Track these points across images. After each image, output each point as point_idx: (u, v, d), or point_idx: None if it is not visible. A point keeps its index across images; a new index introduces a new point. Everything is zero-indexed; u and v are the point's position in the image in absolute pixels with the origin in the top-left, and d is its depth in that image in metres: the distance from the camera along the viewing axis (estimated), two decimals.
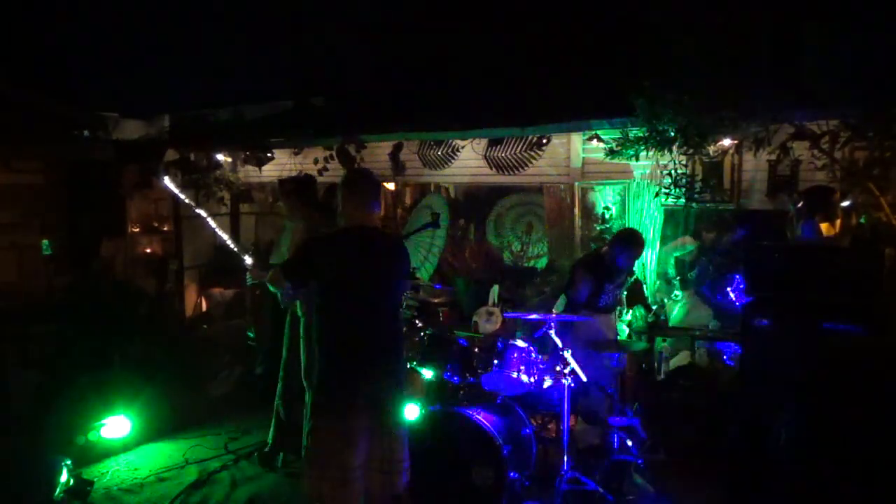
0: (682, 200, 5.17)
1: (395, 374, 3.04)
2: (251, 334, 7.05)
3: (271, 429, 4.66)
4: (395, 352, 3.08)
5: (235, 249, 4.34)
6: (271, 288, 3.34)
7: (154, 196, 7.87)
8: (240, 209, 8.10)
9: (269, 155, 7.31)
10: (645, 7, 4.86)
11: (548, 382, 4.14)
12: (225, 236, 4.43)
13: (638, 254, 4.64)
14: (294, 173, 6.96)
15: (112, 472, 4.61)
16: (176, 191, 4.92)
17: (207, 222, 4.50)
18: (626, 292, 5.00)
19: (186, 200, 4.84)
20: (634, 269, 4.98)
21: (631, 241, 4.60)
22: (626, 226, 5.58)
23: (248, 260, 4.21)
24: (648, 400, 4.73)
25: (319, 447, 2.87)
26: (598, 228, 6.03)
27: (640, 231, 5.00)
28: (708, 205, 5.35)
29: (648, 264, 5.59)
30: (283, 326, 4.54)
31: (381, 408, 2.93)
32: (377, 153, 6.91)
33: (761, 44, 4.24)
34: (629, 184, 5.66)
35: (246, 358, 6.52)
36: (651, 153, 4.93)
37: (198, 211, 4.52)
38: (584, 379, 4.12)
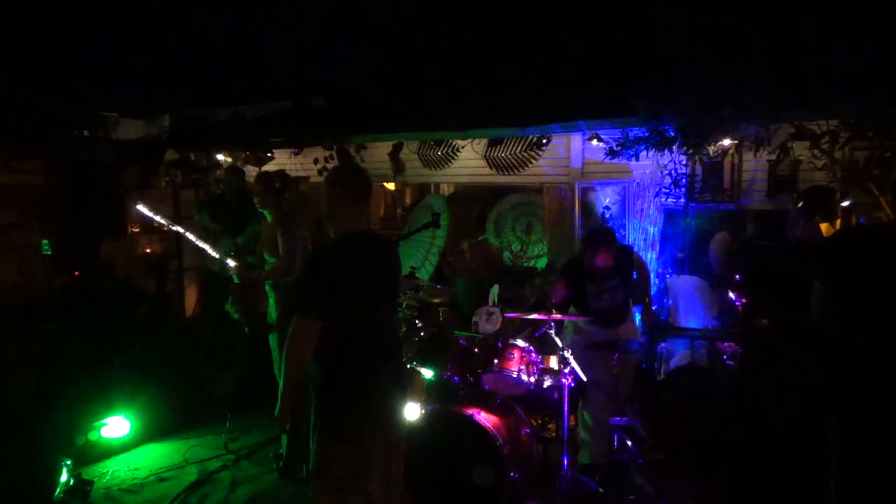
0: (683, 200, 5.17)
1: (403, 386, 2.94)
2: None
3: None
4: (401, 362, 3.03)
5: (217, 256, 4.51)
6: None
7: (154, 196, 7.86)
8: None
9: (269, 155, 7.31)
10: (645, 7, 4.86)
11: (548, 382, 4.14)
12: (206, 246, 4.58)
13: (593, 251, 4.12)
14: (295, 173, 6.99)
15: (112, 472, 4.61)
16: (149, 213, 5.01)
17: (186, 237, 4.67)
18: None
19: (160, 220, 4.94)
20: (629, 269, 4.51)
21: (584, 241, 4.47)
22: (626, 226, 5.58)
23: (231, 263, 4.35)
24: (648, 400, 4.73)
25: (337, 472, 2.67)
26: None
27: (606, 231, 4.37)
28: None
29: (649, 263, 5.59)
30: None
31: (392, 424, 2.84)
32: (377, 153, 6.91)
33: (761, 43, 4.24)
34: (629, 184, 5.66)
35: (244, 356, 6.50)
36: (651, 153, 4.93)
37: (175, 228, 4.69)
38: (584, 379, 4.12)
